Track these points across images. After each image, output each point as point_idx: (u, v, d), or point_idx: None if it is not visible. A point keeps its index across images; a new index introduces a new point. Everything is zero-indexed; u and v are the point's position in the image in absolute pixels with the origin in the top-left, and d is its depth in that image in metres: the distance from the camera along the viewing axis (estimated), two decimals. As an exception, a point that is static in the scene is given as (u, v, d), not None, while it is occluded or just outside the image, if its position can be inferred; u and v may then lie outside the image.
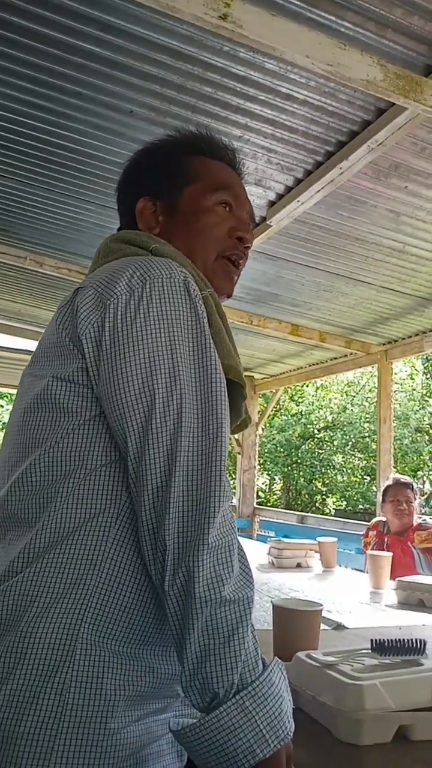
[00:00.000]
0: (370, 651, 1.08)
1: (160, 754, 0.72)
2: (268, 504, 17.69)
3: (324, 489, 18.61)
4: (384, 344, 5.89)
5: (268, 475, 19.00)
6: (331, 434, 18.10)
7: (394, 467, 6.72)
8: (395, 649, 1.06)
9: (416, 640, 1.07)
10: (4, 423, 20.40)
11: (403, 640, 1.07)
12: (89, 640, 0.70)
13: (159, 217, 0.99)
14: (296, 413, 18.48)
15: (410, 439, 16.60)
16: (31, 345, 7.12)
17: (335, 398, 18.45)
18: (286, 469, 18.47)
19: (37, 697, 0.66)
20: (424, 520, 3.35)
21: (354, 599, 2.13)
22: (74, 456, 0.77)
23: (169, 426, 0.73)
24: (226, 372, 0.82)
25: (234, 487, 8.24)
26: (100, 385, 0.77)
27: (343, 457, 18.17)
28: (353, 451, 17.86)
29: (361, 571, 3.28)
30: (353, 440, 17.44)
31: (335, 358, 6.62)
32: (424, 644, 1.06)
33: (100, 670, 0.69)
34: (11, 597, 0.71)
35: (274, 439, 17.93)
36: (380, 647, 1.07)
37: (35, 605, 0.70)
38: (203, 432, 0.74)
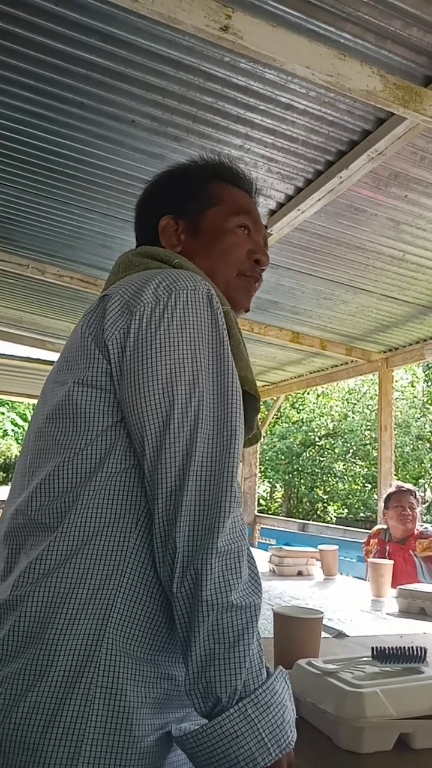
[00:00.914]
0: (370, 659, 1.08)
1: (179, 764, 0.73)
2: (269, 512, 17.69)
3: (325, 497, 18.59)
4: (385, 352, 5.90)
5: (269, 482, 18.99)
6: (332, 442, 18.10)
7: (396, 475, 6.70)
8: (396, 657, 1.06)
9: (417, 648, 1.07)
10: (4, 431, 20.39)
11: (404, 647, 1.07)
12: (113, 645, 0.71)
13: (181, 235, 1.03)
14: (297, 421, 18.49)
15: (411, 446, 16.60)
16: (33, 352, 7.15)
17: (336, 406, 18.46)
18: (287, 477, 18.46)
19: (64, 704, 0.67)
20: (426, 528, 3.34)
21: (355, 607, 2.12)
22: (95, 462, 0.78)
23: (186, 431, 0.74)
24: (242, 384, 0.84)
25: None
26: (121, 389, 0.79)
27: (344, 465, 18.16)
28: (354, 458, 17.85)
29: (362, 579, 3.27)
30: (354, 448, 17.44)
31: (336, 366, 6.63)
32: (425, 652, 1.07)
33: (122, 676, 0.70)
34: (34, 604, 0.72)
35: (275, 446, 17.93)
36: (381, 655, 1.07)
37: (63, 613, 0.71)
38: (218, 439, 0.76)
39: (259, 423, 1.01)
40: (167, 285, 0.82)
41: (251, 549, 0.75)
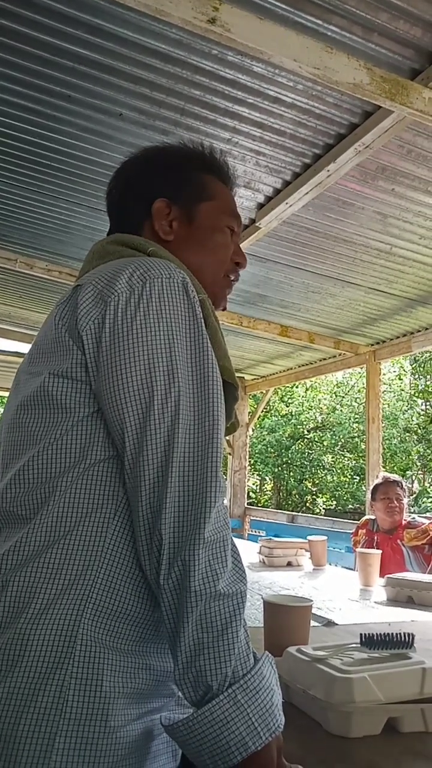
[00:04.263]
0: (359, 645, 1.10)
1: (156, 753, 0.72)
2: (259, 504, 17.71)
3: (314, 489, 18.66)
4: (372, 345, 5.93)
5: (258, 475, 19.01)
6: (321, 435, 18.16)
7: (383, 467, 6.75)
8: (384, 643, 1.08)
9: (404, 634, 1.08)
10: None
11: (392, 634, 1.09)
12: (89, 636, 0.70)
13: (173, 222, 1.01)
14: (286, 414, 18.52)
15: (399, 438, 16.70)
16: (21, 347, 7.10)
17: (324, 399, 18.51)
18: (276, 470, 18.49)
19: (37, 694, 0.66)
20: (414, 518, 3.37)
21: (344, 596, 2.15)
22: (72, 453, 0.78)
23: (166, 422, 0.74)
24: (221, 373, 0.83)
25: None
26: (98, 381, 0.78)
27: (332, 457, 18.23)
28: (343, 451, 17.93)
29: (350, 569, 3.30)
30: (342, 440, 17.51)
31: (324, 359, 6.66)
32: (413, 638, 1.08)
33: (99, 666, 0.69)
34: (9, 593, 0.72)
35: (264, 439, 17.96)
36: (369, 641, 1.08)
37: (36, 602, 0.71)
38: (199, 429, 0.75)
39: (237, 413, 1.01)
40: (141, 273, 0.80)
41: (233, 538, 0.75)
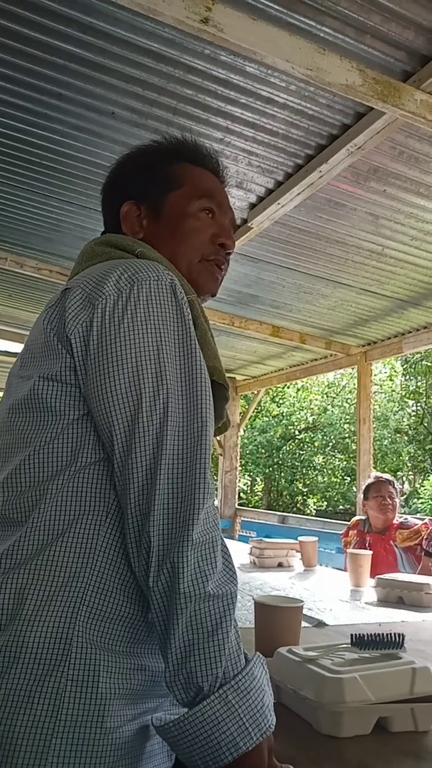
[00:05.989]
0: (350, 645, 1.10)
1: (152, 753, 0.72)
2: (250, 505, 17.75)
3: (305, 490, 18.73)
4: (363, 346, 5.95)
5: (249, 476, 19.05)
6: (312, 435, 18.22)
7: (374, 468, 6.77)
8: (374, 644, 1.08)
9: (395, 635, 1.09)
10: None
11: (382, 634, 1.09)
12: (84, 638, 0.70)
13: (143, 221, 1.01)
14: (277, 414, 18.57)
15: (390, 439, 16.80)
16: (10, 346, 7.07)
17: (316, 399, 18.58)
18: (267, 470, 18.54)
19: (33, 696, 0.66)
20: (406, 519, 3.38)
21: (334, 597, 2.15)
22: (62, 456, 0.78)
23: (155, 425, 0.74)
24: (210, 374, 0.84)
25: (215, 489, 8.20)
26: (87, 384, 0.78)
27: (323, 458, 18.30)
28: (333, 451, 18.00)
29: (341, 569, 3.31)
30: (333, 441, 17.59)
31: (315, 360, 6.67)
32: (403, 638, 1.08)
33: (95, 668, 0.69)
34: (2, 596, 0.71)
35: (255, 440, 18.00)
36: (360, 642, 1.08)
37: (28, 604, 0.70)
38: (188, 431, 0.75)
39: (228, 413, 1.00)
40: (129, 276, 0.80)
41: (224, 539, 0.75)
